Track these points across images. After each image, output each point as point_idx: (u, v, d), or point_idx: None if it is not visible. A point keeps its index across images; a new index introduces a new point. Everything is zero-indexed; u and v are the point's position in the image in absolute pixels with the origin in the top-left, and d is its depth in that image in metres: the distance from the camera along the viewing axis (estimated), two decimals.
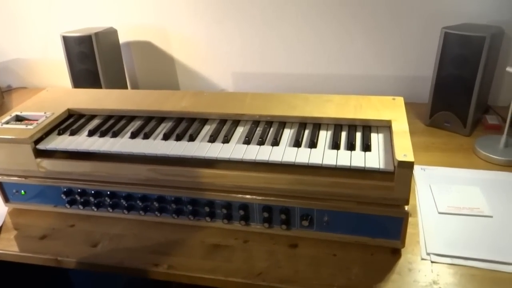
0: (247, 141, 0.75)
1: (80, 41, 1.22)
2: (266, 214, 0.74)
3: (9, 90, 1.65)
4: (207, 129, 0.81)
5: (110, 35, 1.30)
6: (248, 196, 0.74)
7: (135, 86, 1.52)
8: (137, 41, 1.43)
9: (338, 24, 1.24)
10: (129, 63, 1.48)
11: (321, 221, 0.73)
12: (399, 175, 0.64)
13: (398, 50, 1.24)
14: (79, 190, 0.82)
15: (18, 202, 0.88)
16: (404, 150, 0.65)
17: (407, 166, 0.63)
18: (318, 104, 0.83)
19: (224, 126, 0.81)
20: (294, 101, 0.84)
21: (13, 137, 0.79)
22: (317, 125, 0.79)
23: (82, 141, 0.80)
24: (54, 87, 1.03)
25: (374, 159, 0.68)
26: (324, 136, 0.76)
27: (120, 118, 0.88)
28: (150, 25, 1.39)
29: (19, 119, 0.88)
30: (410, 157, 0.63)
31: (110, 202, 0.82)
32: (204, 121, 0.84)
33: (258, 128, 0.80)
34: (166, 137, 0.79)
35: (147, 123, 0.85)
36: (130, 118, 0.87)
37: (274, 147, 0.73)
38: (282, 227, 0.74)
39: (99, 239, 0.80)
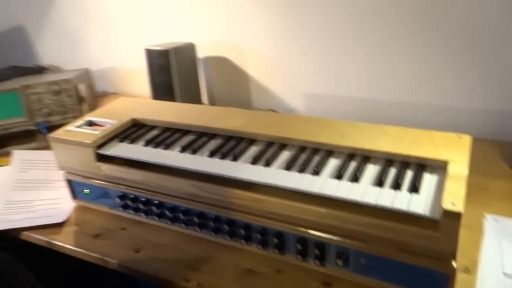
0: (288, 167, 0.74)
1: (160, 54, 1.32)
2: (299, 246, 0.71)
3: (104, 95, 1.84)
4: (253, 150, 0.81)
5: (188, 50, 1.38)
6: (283, 224, 0.72)
7: (212, 100, 1.59)
8: (215, 56, 1.50)
9: (420, 47, 1.17)
10: (208, 78, 1.56)
11: (358, 262, 0.68)
12: (445, 226, 0.58)
13: (489, 81, 1.12)
14: (131, 196, 0.88)
15: (83, 200, 0.98)
16: (454, 197, 0.58)
17: (454, 217, 0.56)
18: (371, 135, 0.78)
19: (270, 149, 0.81)
20: (347, 130, 0.81)
21: (79, 140, 0.88)
22: (366, 158, 0.75)
23: (137, 150, 0.86)
24: (125, 97, 1.13)
25: (420, 203, 0.62)
26: (371, 171, 0.71)
27: (176, 131, 0.92)
28: (226, 41, 1.45)
29: (90, 124, 0.98)
30: (458, 207, 0.56)
31: (158, 212, 0.87)
32: (251, 141, 0.84)
33: (303, 155, 0.78)
34: (211, 154, 0.81)
35: (198, 139, 0.88)
36: (185, 132, 0.92)
37: (315, 177, 0.71)
38: (315, 263, 0.71)
39: (143, 246, 0.85)
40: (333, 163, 0.75)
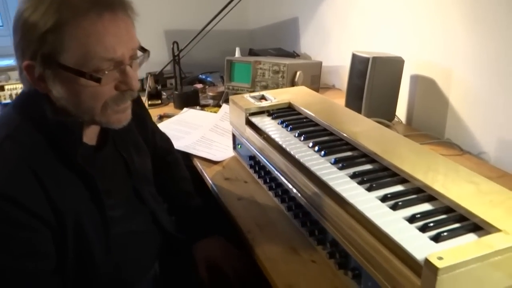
0: (354, 176, 0.81)
1: (361, 60, 1.46)
2: (329, 246, 0.79)
3: (330, 88, 2.10)
4: (345, 154, 0.91)
5: (392, 63, 1.46)
6: (323, 219, 0.82)
7: (409, 119, 1.62)
8: (422, 76, 1.51)
9: None
10: (412, 95, 1.59)
11: (366, 285, 0.71)
12: (424, 277, 0.56)
13: None
14: (256, 159, 1.13)
15: (237, 153, 1.29)
16: (452, 256, 0.56)
17: (431, 270, 0.55)
18: (458, 180, 0.75)
19: (359, 158, 0.88)
20: (439, 167, 0.79)
21: (241, 105, 1.17)
22: (431, 197, 0.73)
23: (270, 124, 1.09)
24: (305, 88, 1.35)
25: (423, 248, 0.60)
26: (419, 208, 0.71)
27: (309, 121, 1.09)
28: (436, 62, 1.44)
29: (262, 97, 1.25)
30: (441, 263, 0.54)
31: (265, 177, 1.08)
32: (353, 148, 0.93)
33: (379, 172, 0.82)
34: (313, 145, 0.94)
35: (316, 131, 1.02)
36: (314, 124, 1.07)
37: (365, 192, 0.76)
38: (337, 268, 0.78)
39: (245, 198, 1.09)
40: (394, 189, 0.77)
